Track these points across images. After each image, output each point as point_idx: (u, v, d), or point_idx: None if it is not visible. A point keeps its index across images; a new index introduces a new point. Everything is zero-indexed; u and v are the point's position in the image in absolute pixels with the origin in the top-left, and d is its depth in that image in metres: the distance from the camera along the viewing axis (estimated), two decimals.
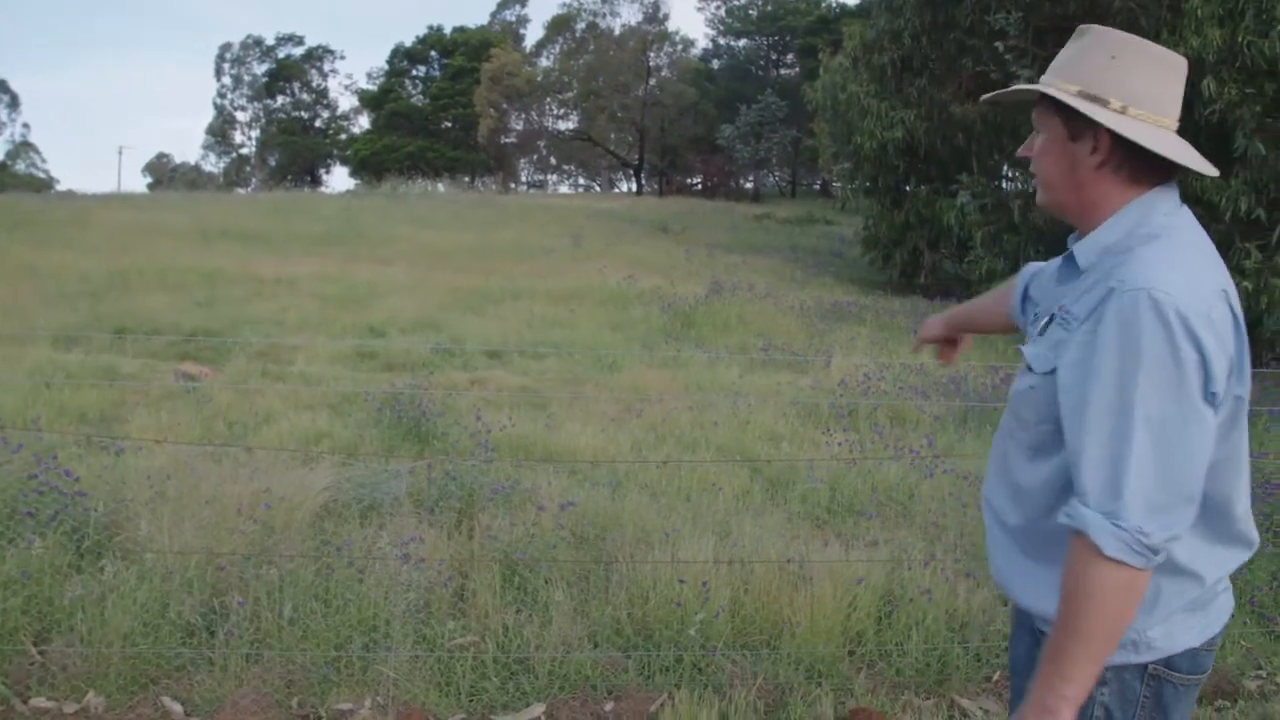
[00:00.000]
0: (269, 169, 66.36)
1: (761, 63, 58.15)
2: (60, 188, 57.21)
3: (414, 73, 66.21)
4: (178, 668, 3.61)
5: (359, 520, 4.81)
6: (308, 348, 9.48)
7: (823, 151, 22.07)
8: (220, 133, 71.18)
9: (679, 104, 52.26)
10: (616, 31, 54.62)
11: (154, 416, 6.87)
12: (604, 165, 65.33)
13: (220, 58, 70.08)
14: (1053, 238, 13.97)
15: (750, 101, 47.98)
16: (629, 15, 60.49)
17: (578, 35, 56.60)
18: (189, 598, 3.87)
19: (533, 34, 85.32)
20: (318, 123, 70.77)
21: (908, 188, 18.14)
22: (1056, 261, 2.01)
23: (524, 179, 69.39)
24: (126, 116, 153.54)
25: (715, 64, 58.56)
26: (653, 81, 53.09)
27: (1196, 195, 10.10)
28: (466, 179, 53.72)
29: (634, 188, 57.99)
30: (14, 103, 69.52)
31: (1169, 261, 1.57)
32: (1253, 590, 4.46)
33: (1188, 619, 1.68)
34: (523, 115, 56.96)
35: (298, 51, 70.15)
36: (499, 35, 63.57)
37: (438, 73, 64.47)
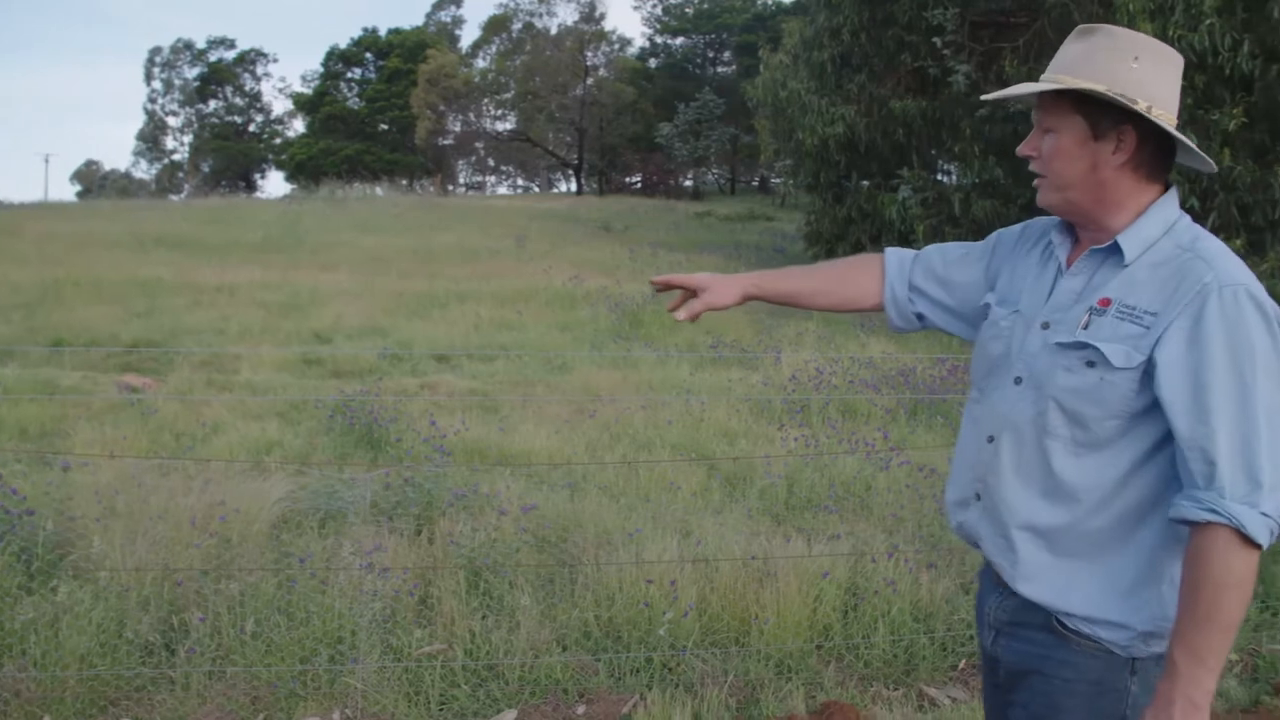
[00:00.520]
0: (202, 175, 65.17)
1: (699, 61, 58.27)
2: None
3: (349, 75, 65.37)
4: (137, 688, 3.53)
5: (317, 530, 4.75)
6: (252, 356, 9.33)
7: (764, 148, 22.20)
8: (151, 139, 69.81)
9: (617, 103, 52.22)
10: (553, 31, 54.44)
11: (98, 430, 6.70)
12: (543, 166, 65.09)
13: (150, 62, 68.72)
14: (993, 230, 14.15)
15: (688, 100, 48.06)
16: (565, 15, 60.47)
17: (514, 36, 56.30)
18: (146, 616, 3.80)
19: (469, 35, 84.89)
20: (252, 127, 69.67)
21: (849, 183, 18.29)
22: (987, 248, 2.03)
23: (462, 181, 68.94)
24: (52, 123, 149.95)
25: (653, 63, 58.54)
26: (590, 81, 52.99)
27: None
28: (405, 182, 53.15)
29: (574, 188, 57.86)
30: None
31: (1238, 259, 1.62)
32: None
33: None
34: (460, 117, 56.60)
35: (230, 55, 69.01)
36: (435, 36, 63.06)
37: (373, 75, 63.70)
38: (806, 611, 4.04)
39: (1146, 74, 1.66)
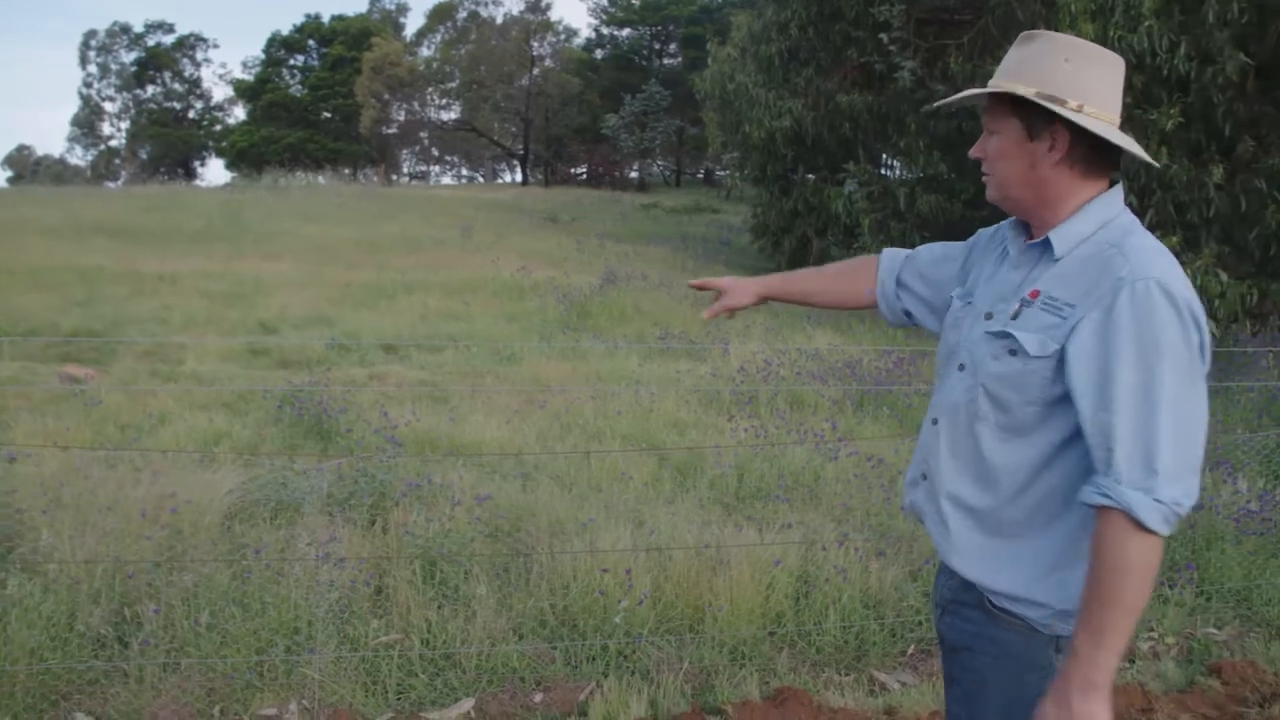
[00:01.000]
0: (140, 162, 63.85)
1: (645, 52, 58.22)
2: None
3: (292, 62, 64.39)
4: (90, 681, 3.50)
5: (270, 521, 4.72)
6: (197, 346, 9.21)
7: (712, 141, 22.26)
8: (87, 124, 68.29)
9: (563, 94, 52.07)
10: (499, 21, 54.16)
11: (40, 422, 6.59)
12: (488, 156, 64.72)
13: (85, 45, 67.22)
14: (938, 224, 14.36)
15: (634, 91, 48.06)
16: (511, 4, 60.31)
17: (459, 24, 55.91)
18: (97, 609, 3.75)
19: (413, 23, 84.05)
20: (191, 114, 68.36)
21: (795, 176, 18.42)
22: (965, 247, 2.11)
23: (406, 170, 68.33)
24: None
25: (599, 54, 58.41)
26: (536, 71, 52.78)
27: None
28: (348, 171, 52.58)
29: (519, 178, 57.65)
30: None
31: (1161, 253, 1.68)
32: None
33: None
34: (404, 106, 56.10)
35: (168, 40, 67.67)
36: (379, 24, 62.41)
37: (316, 62, 62.87)
38: (759, 599, 4.10)
39: (1078, 75, 1.73)
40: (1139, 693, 3.68)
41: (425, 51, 58.11)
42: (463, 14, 55.44)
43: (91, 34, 67.76)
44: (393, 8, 67.26)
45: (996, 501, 1.80)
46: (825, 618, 4.09)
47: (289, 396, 7.03)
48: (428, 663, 3.68)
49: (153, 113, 66.59)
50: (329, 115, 60.61)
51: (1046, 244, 1.79)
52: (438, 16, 56.94)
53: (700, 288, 2.42)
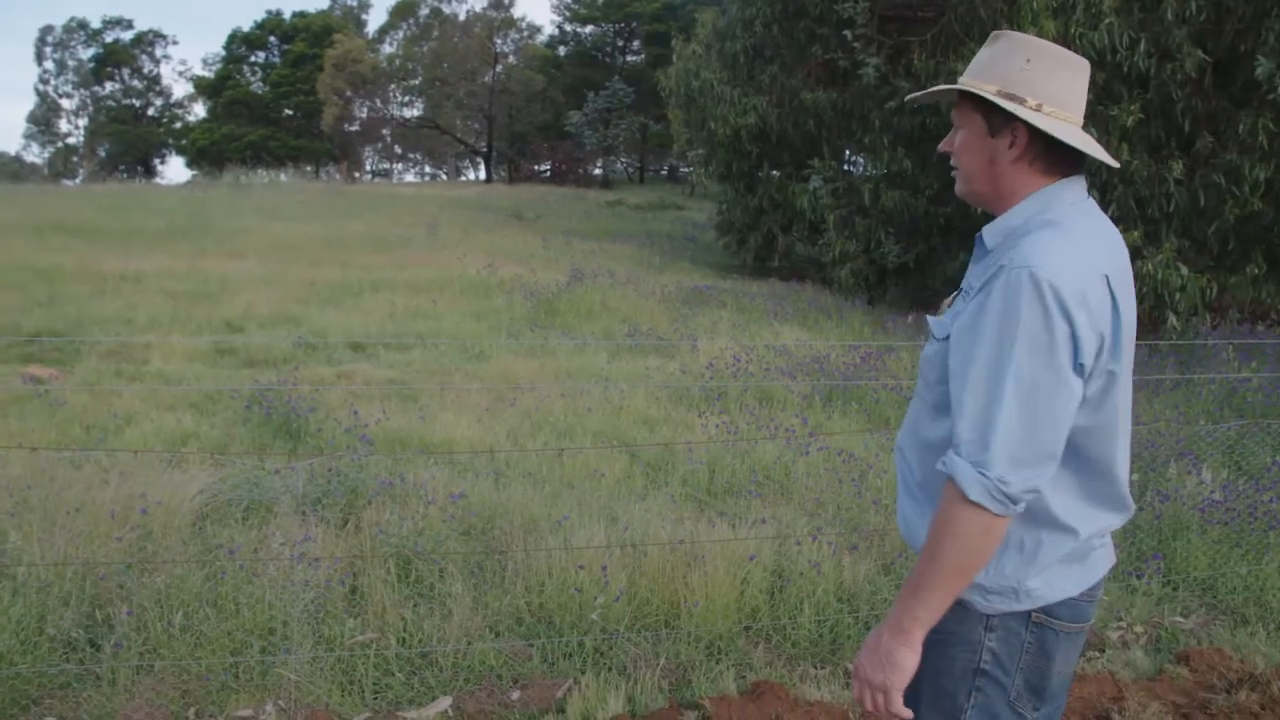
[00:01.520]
0: (98, 159, 62.98)
1: (608, 49, 58.16)
2: None
3: (253, 59, 63.72)
4: (61, 685, 3.47)
5: (241, 521, 4.69)
6: (162, 345, 9.11)
7: (677, 138, 22.25)
8: (44, 121, 67.22)
9: (526, 91, 51.93)
10: (461, 17, 53.90)
11: (2, 423, 6.51)
12: (451, 153, 64.46)
13: (41, 41, 66.21)
14: (902, 220, 14.47)
15: (598, 88, 48.02)
16: (474, 1, 59.76)
17: (422, 21, 55.59)
18: (68, 611, 3.71)
19: (375, 19, 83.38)
20: (150, 111, 67.48)
21: (761, 173, 18.44)
22: None
23: (368, 168, 67.87)
24: None
25: (562, 51, 58.31)
26: (499, 68, 52.59)
27: None
28: (310, 168, 52.11)
29: (482, 175, 57.42)
30: None
31: (1056, 244, 1.71)
32: None
33: (1065, 570, 1.83)
34: (367, 103, 55.71)
35: (126, 36, 66.73)
36: (341, 21, 61.94)
37: (277, 59, 62.27)
38: (734, 594, 4.12)
39: (1037, 75, 1.79)
40: (1110, 681, 3.73)
41: (387, 48, 57.75)
42: (425, 10, 55.12)
43: (48, 29, 66.94)
44: (354, 4, 66.82)
45: (931, 476, 1.87)
46: (800, 612, 4.11)
47: (257, 396, 6.98)
48: (404, 662, 3.67)
49: (111, 110, 65.70)
50: (291, 112, 60.07)
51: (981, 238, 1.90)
52: (400, 13, 56.58)
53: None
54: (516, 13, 62.89)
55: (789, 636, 4.03)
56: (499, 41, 53.40)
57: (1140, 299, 10.56)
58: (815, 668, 3.89)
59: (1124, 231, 10.72)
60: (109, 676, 3.46)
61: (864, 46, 13.92)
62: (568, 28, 58.50)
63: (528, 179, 50.87)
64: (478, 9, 53.68)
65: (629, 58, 57.30)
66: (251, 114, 59.45)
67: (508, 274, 14.53)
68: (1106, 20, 10.43)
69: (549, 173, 52.28)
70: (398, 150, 67.53)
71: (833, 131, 16.40)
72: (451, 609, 3.92)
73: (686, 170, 45.93)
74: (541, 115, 52.31)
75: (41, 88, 67.03)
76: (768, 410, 7.68)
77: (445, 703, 3.50)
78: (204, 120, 62.66)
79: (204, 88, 63.17)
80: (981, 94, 1.80)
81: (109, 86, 66.74)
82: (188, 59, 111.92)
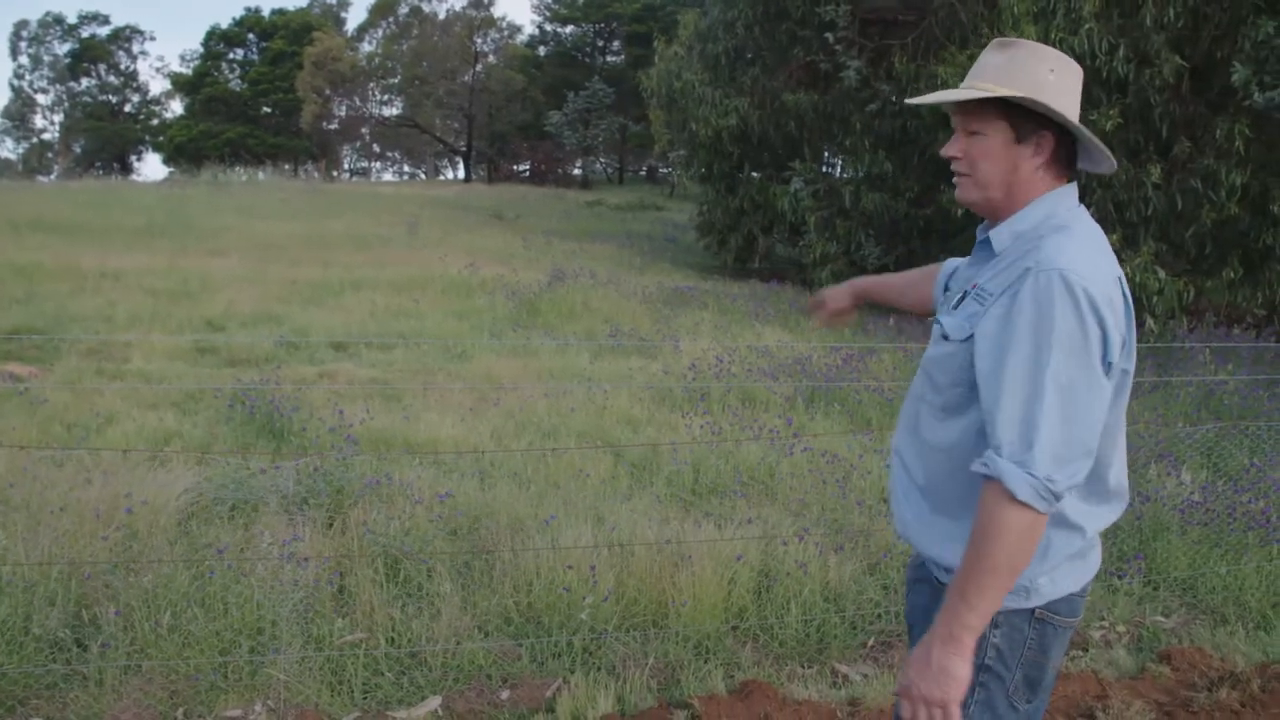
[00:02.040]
0: (74, 156, 62.44)
1: (588, 49, 58.13)
2: None
3: (231, 56, 63.33)
4: (48, 686, 3.45)
5: (227, 521, 4.68)
6: (143, 344, 9.04)
7: (658, 139, 22.30)
8: (18, 116, 66.56)
9: (506, 90, 51.82)
10: (441, 16, 53.79)
11: None
12: (430, 152, 64.26)
13: (16, 35, 65.57)
14: (882, 222, 14.54)
15: (577, 88, 48.00)
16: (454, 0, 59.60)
17: (401, 20, 55.44)
18: (54, 611, 3.69)
19: (354, 17, 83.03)
20: (127, 107, 66.92)
21: (741, 174, 18.50)
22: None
23: (347, 166, 67.56)
24: None
25: (542, 50, 58.26)
26: (479, 67, 52.48)
27: None
28: (288, 167, 51.83)
29: (461, 174, 57.26)
30: None
31: (1077, 248, 1.76)
32: None
33: (1070, 567, 1.88)
34: (346, 101, 55.48)
35: (103, 31, 66.09)
36: (320, 19, 61.64)
37: (256, 56, 61.92)
38: (721, 594, 4.14)
39: (1063, 85, 1.84)
40: (1093, 680, 3.77)
41: (367, 46, 57.56)
42: (404, 9, 54.99)
43: (23, 24, 66.43)
44: (334, 2, 66.45)
45: (937, 479, 1.91)
46: (787, 612, 4.14)
47: (239, 395, 6.95)
48: (393, 661, 3.67)
49: (87, 106, 65.10)
50: (269, 110, 59.73)
51: (988, 240, 1.91)
52: (379, 11, 56.40)
53: (814, 308, 2.62)
54: (496, 12, 62.92)
55: (776, 636, 4.05)
56: (479, 41, 53.30)
57: None
58: (803, 667, 3.92)
59: None
60: (96, 677, 3.44)
61: (845, 49, 13.99)
62: (548, 27, 58.51)
63: (507, 179, 50.81)
64: (457, 8, 53.63)
65: (609, 58, 57.31)
66: (230, 111, 59.08)
67: (489, 274, 14.50)
68: (1086, 26, 10.53)
69: (528, 172, 52.25)
70: (376, 149, 67.29)
71: (814, 133, 16.48)
72: (440, 609, 3.93)
73: (666, 171, 46.05)
74: (521, 115, 52.24)
75: (16, 83, 66.65)
76: (751, 411, 7.71)
77: (435, 702, 3.50)
78: (181, 117, 62.19)
79: (182, 85, 62.70)
80: (1026, 101, 1.80)
81: (85, 82, 66.17)
82: (165, 55, 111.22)
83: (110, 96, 66.43)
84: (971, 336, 1.80)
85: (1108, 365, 1.71)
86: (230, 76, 62.55)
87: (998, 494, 1.66)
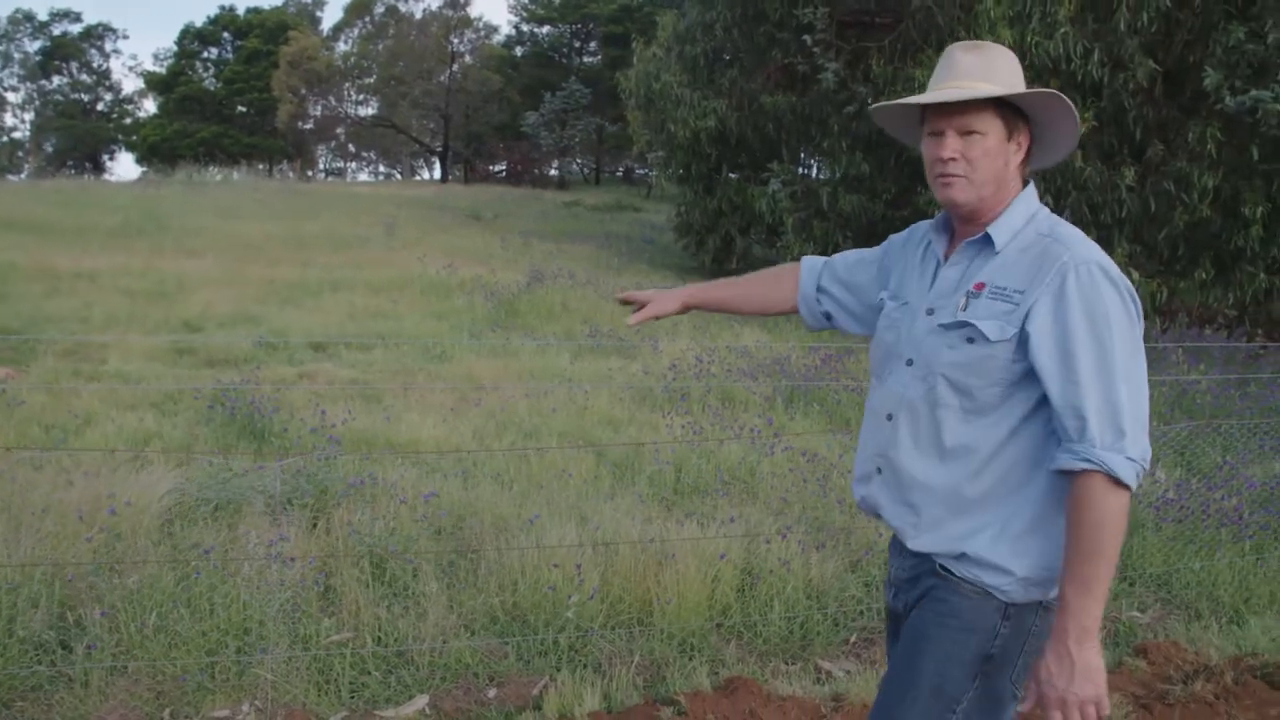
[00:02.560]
0: (45, 155, 61.83)
1: (565, 50, 58.06)
2: None
3: (205, 55, 62.87)
4: (33, 687, 3.44)
5: (210, 522, 4.68)
6: (120, 345, 9.01)
7: (636, 140, 22.28)
8: None
9: (483, 91, 51.69)
10: (417, 16, 53.57)
11: None
12: (405, 152, 64.03)
13: None
14: (860, 224, 14.61)
15: (554, 89, 47.92)
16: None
17: (377, 19, 55.20)
18: (37, 613, 3.68)
19: (330, 17, 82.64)
20: (100, 106, 66.33)
21: (720, 175, 18.55)
22: (880, 252, 2.25)
23: (322, 166, 67.22)
24: None
25: (519, 51, 58.14)
26: (455, 67, 52.34)
27: None
28: (263, 166, 51.51)
29: (437, 175, 57.11)
30: None
31: (1091, 241, 1.86)
32: None
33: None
34: (321, 101, 55.20)
35: (75, 29, 65.42)
36: (295, 18, 61.30)
37: (231, 55, 61.50)
38: (705, 592, 4.18)
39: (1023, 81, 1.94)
40: None
41: (342, 46, 57.25)
42: (380, 9, 54.73)
43: None
44: (309, 1, 66.13)
45: (964, 479, 1.91)
46: (770, 609, 4.18)
47: (219, 396, 6.94)
48: (380, 660, 3.69)
49: (59, 104, 64.42)
50: (244, 109, 59.29)
51: (985, 240, 1.93)
52: (355, 11, 56.11)
53: (627, 300, 2.44)
54: (473, 12, 62.83)
55: (760, 633, 4.10)
56: (455, 41, 53.13)
57: None
58: (786, 664, 3.96)
59: None
60: (82, 678, 3.44)
61: (823, 52, 14.07)
62: (524, 28, 58.37)
63: (484, 179, 50.65)
64: (433, 8, 53.43)
65: (586, 59, 57.25)
66: (204, 111, 58.64)
67: (467, 274, 14.51)
68: (1062, 30, 10.65)
69: (505, 173, 52.08)
70: (352, 149, 66.94)
71: (792, 135, 16.54)
72: (426, 608, 3.95)
73: (643, 172, 46.00)
74: (498, 115, 52.11)
75: None
76: (731, 411, 7.76)
77: (422, 701, 3.52)
78: (155, 116, 61.60)
79: (155, 83, 62.14)
80: (1048, 93, 1.88)
81: (56, 80, 65.45)
82: (138, 54, 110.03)
83: (82, 95, 65.77)
84: (1014, 337, 1.83)
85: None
86: (204, 75, 62.05)
87: (1103, 484, 1.72)
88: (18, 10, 73.47)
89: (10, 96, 65.87)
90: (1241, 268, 11.52)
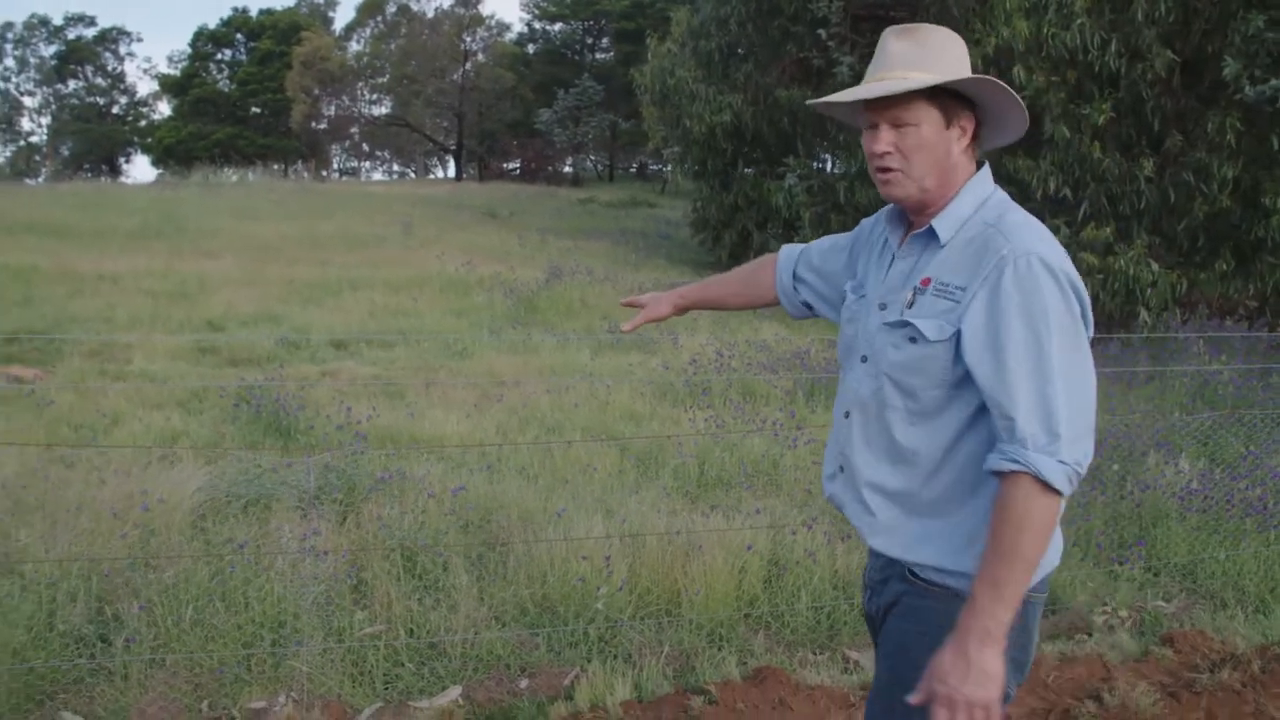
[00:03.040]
0: (62, 158, 62.25)
1: (577, 47, 58.11)
2: None
3: (219, 57, 63.17)
4: (75, 680, 3.50)
5: (242, 517, 4.73)
6: (145, 344, 9.09)
7: (652, 135, 22.32)
8: (5, 119, 66.30)
9: (496, 88, 51.78)
10: (429, 15, 53.69)
11: None
12: (419, 151, 64.20)
13: (1, 38, 65.34)
14: None
15: (567, 86, 47.97)
16: None
17: (389, 18, 55.37)
18: (75, 608, 3.75)
19: (342, 17, 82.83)
20: (115, 109, 66.72)
21: (735, 170, 18.58)
22: (851, 238, 2.19)
23: (336, 166, 67.46)
24: None
25: (531, 48, 58.22)
26: (468, 66, 52.44)
27: (1009, 175, 10.81)
28: (278, 167, 51.72)
29: (451, 173, 57.24)
30: None
31: (1036, 230, 1.76)
32: (1093, 536, 4.89)
33: (1057, 539, 1.86)
34: (335, 100, 55.39)
35: (89, 33, 65.83)
36: (308, 18, 61.53)
37: (244, 57, 61.77)
38: (733, 583, 4.21)
39: (969, 62, 1.86)
40: (1099, 663, 3.85)
41: (355, 46, 57.47)
42: (392, 8, 54.89)
43: (8, 26, 65.75)
44: (321, 2, 66.35)
45: (914, 483, 1.87)
46: (797, 599, 4.21)
47: (244, 394, 7.00)
48: (413, 652, 3.74)
49: (75, 108, 64.84)
50: (258, 110, 59.57)
51: (932, 231, 1.85)
52: (367, 10, 56.28)
53: (629, 305, 2.48)
54: (485, 10, 62.94)
55: (788, 624, 4.13)
56: (468, 39, 53.24)
57: (1112, 294, 10.81)
58: (814, 653, 3.99)
59: (1096, 228, 10.97)
60: (121, 671, 3.49)
61: (838, 45, 14.06)
62: (537, 25, 58.44)
63: (498, 177, 50.76)
64: (445, 6, 53.53)
65: (598, 55, 57.29)
66: (218, 112, 58.94)
67: (486, 272, 14.57)
68: (1078, 20, 10.62)
69: (519, 170, 52.20)
70: (366, 148, 67.16)
71: (807, 129, 16.54)
72: (457, 600, 3.99)
73: (657, 168, 46.02)
74: (511, 113, 52.20)
75: (2, 85, 66.14)
76: (752, 405, 7.78)
77: (455, 692, 3.57)
78: (170, 119, 61.97)
79: (169, 86, 62.50)
80: (1000, 84, 1.80)
81: (72, 84, 65.89)
82: (153, 57, 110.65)
83: (98, 98, 66.18)
84: (953, 336, 1.76)
85: (1088, 341, 1.73)
86: (218, 77, 62.37)
87: (1029, 486, 1.64)
88: (33, 15, 73.98)
89: (27, 101, 66.39)
90: (1262, 258, 11.47)
